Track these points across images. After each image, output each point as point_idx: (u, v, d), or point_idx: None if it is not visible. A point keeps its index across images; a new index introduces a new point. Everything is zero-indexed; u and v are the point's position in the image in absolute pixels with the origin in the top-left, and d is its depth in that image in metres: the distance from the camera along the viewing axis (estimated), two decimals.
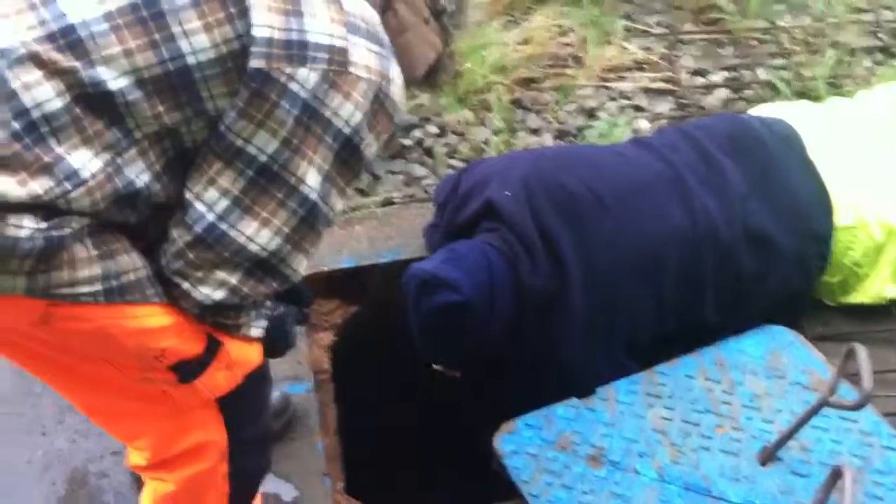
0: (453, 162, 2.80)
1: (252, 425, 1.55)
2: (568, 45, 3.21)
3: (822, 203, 2.20)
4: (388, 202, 2.66)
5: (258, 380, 1.49)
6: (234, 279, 1.29)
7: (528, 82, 3.09)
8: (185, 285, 1.29)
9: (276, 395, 2.02)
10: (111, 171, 1.19)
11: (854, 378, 1.78)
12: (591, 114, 3.00)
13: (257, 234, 1.27)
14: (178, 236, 1.27)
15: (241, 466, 1.54)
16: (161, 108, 1.20)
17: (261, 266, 1.30)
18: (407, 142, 2.85)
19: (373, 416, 2.53)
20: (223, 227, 1.25)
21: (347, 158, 1.28)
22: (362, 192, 2.66)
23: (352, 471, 2.15)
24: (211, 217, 1.25)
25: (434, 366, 2.12)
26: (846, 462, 1.50)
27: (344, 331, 2.45)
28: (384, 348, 2.59)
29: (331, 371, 2.32)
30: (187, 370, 1.36)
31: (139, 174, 1.23)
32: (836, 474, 1.52)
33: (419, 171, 2.77)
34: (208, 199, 1.25)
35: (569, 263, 2.00)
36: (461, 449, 2.38)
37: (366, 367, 2.52)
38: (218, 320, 1.35)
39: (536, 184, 2.09)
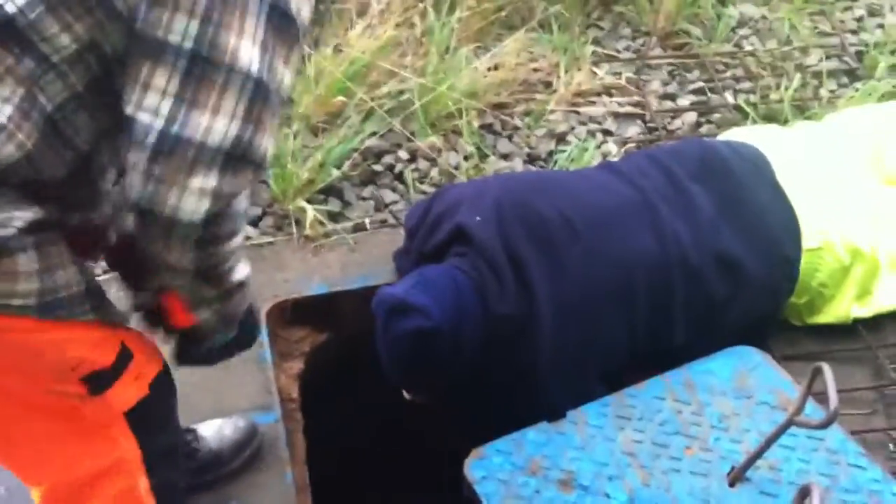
0: (424, 187, 2.80)
1: (163, 433, 1.53)
2: (538, 70, 3.23)
3: (790, 227, 2.22)
4: (359, 228, 2.66)
5: (163, 386, 1.48)
6: (211, 181, 1.20)
7: (498, 107, 3.11)
8: (167, 211, 1.20)
9: (241, 424, 2.00)
10: (27, 106, 1.14)
11: (821, 397, 1.79)
12: (560, 138, 3.02)
13: (212, 126, 1.18)
14: (135, 159, 1.18)
15: (162, 477, 1.52)
16: (70, 18, 1.14)
17: (230, 158, 1.20)
18: (378, 167, 2.86)
19: (342, 444, 2.51)
20: (174, 129, 1.17)
21: (279, 24, 1.20)
22: (333, 218, 2.65)
23: (320, 501, 2.13)
24: (158, 124, 1.16)
25: (404, 393, 2.11)
26: (814, 481, 1.49)
27: (313, 359, 2.43)
28: (354, 376, 2.58)
29: (300, 400, 2.31)
30: (99, 382, 1.34)
31: (61, 99, 1.17)
32: (804, 493, 1.51)
33: (390, 196, 2.78)
34: (149, 106, 1.16)
35: (538, 290, 2.00)
36: (433, 475, 2.36)
37: (335, 395, 2.51)
38: (212, 258, 1.29)
39: (508, 208, 2.09)
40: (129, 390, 1.37)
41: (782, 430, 1.72)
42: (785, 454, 1.88)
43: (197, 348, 1.57)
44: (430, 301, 1.93)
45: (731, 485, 1.84)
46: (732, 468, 1.86)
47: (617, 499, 1.83)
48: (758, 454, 1.79)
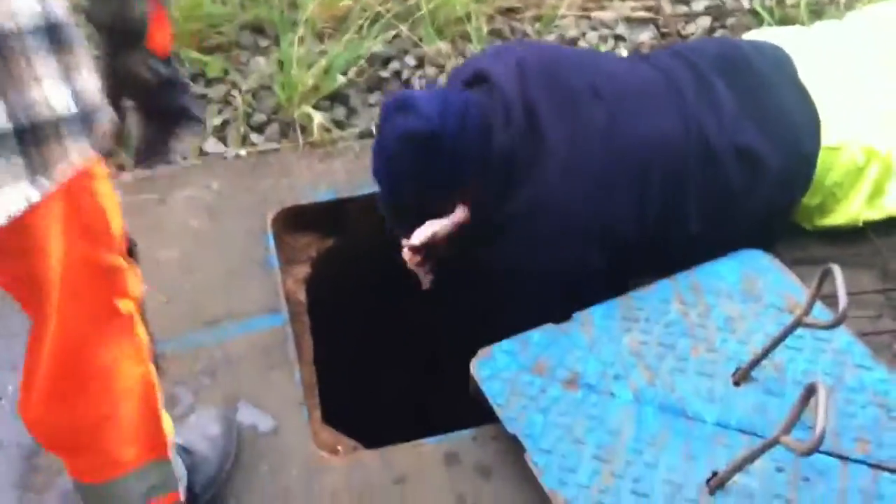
0: None
1: None
2: None
3: (810, 124, 2.17)
4: (364, 135, 2.63)
5: None
6: None
7: (508, 12, 3.05)
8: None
9: (216, 431, 1.90)
10: None
11: (829, 300, 1.79)
12: (571, 43, 2.96)
13: None
14: None
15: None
16: None
17: None
18: (384, 74, 2.81)
19: (348, 348, 2.53)
20: None
21: None
22: (339, 125, 2.62)
23: (328, 402, 2.15)
24: None
25: (404, 249, 2.10)
26: (820, 380, 1.49)
27: (319, 264, 2.43)
28: (360, 281, 2.58)
29: (306, 304, 2.31)
30: (132, 256, 1.34)
31: None
32: (810, 391, 1.51)
33: None
34: None
35: (548, 138, 1.97)
36: (439, 375, 2.38)
37: (341, 299, 2.51)
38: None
39: (533, 66, 2.06)
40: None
41: (790, 330, 1.72)
42: (791, 355, 1.88)
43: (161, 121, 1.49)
44: (435, 107, 1.93)
45: (737, 384, 1.84)
46: (738, 369, 1.87)
47: (622, 397, 1.84)
48: (764, 354, 1.79)
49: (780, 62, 2.23)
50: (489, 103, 2.00)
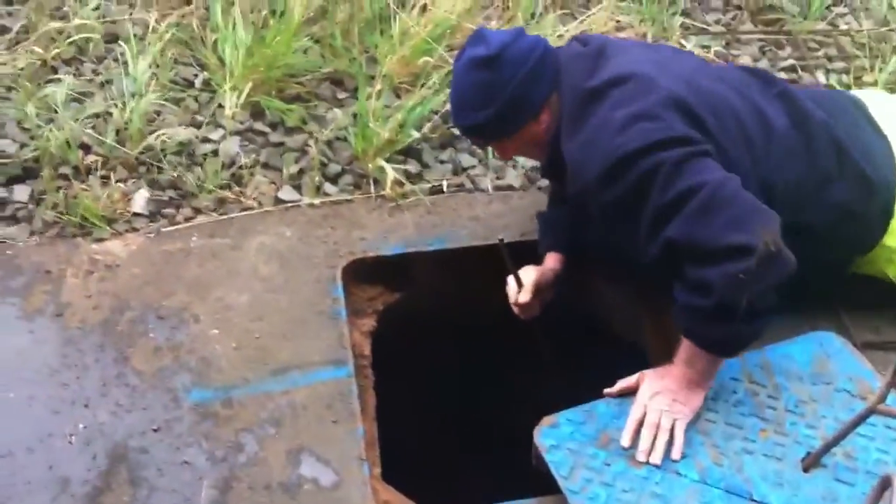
0: None
1: None
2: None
3: (888, 156, 2.15)
4: (436, 190, 2.65)
5: None
6: None
7: None
8: None
9: None
10: None
11: None
12: None
13: None
14: None
15: None
16: None
17: None
18: (457, 131, 2.84)
19: (410, 404, 2.53)
20: None
21: None
22: (411, 179, 2.65)
23: (387, 459, 2.15)
24: None
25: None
26: (894, 472, 1.46)
27: (385, 317, 2.45)
28: (425, 336, 2.59)
29: (370, 357, 2.33)
30: None
31: None
32: (885, 484, 1.49)
33: (468, 160, 2.76)
34: None
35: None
36: (499, 440, 2.38)
37: (405, 355, 2.52)
38: None
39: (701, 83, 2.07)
40: None
41: (863, 417, 1.69)
42: (863, 443, 1.85)
43: None
44: (504, 38, 2.05)
45: (806, 470, 1.82)
46: (808, 454, 1.84)
47: (688, 476, 1.82)
48: (836, 441, 1.77)
49: (855, 103, 2.24)
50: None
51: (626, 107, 1.93)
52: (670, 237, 1.86)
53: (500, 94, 2.04)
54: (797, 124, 2.07)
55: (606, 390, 2.00)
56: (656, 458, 1.85)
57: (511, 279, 2.26)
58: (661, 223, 1.87)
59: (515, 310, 2.27)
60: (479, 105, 2.07)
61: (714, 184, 1.82)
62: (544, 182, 2.64)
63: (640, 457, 1.85)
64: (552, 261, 2.31)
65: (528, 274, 2.26)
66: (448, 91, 2.80)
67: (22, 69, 2.80)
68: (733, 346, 1.90)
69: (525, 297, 2.22)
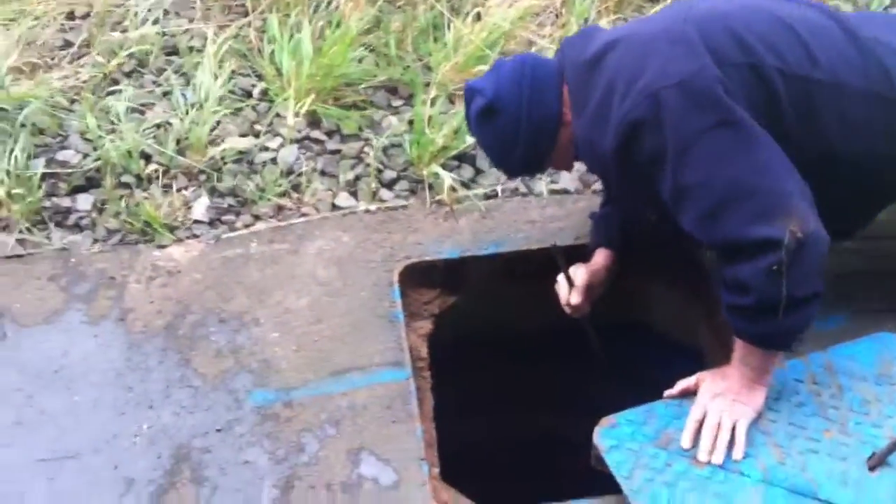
0: None
1: None
2: None
3: None
4: (490, 195, 2.66)
5: None
6: None
7: None
8: None
9: None
10: None
11: None
12: None
13: None
14: None
15: None
16: None
17: None
18: None
19: (466, 406, 2.54)
20: None
21: None
22: (465, 185, 2.67)
23: (446, 460, 2.16)
24: None
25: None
26: None
27: (441, 320, 2.46)
28: (480, 340, 2.60)
29: (428, 359, 2.34)
30: None
31: None
32: None
33: None
34: None
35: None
36: (556, 442, 2.37)
37: (461, 357, 2.53)
38: None
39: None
40: None
41: None
42: None
43: None
44: (488, 81, 2.05)
45: (872, 470, 1.79)
46: (873, 454, 1.81)
47: (751, 476, 1.80)
48: None
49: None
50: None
51: (625, 71, 1.89)
52: (691, 232, 1.85)
53: (518, 127, 2.03)
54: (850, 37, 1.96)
55: (666, 392, 1.99)
56: (718, 457, 1.83)
57: (562, 278, 2.27)
58: (679, 210, 1.85)
59: (567, 309, 2.28)
60: (509, 148, 2.07)
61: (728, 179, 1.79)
62: (598, 185, 2.64)
63: (702, 456, 1.83)
64: (602, 258, 2.30)
65: (579, 273, 2.26)
66: None
67: (84, 82, 2.87)
68: (783, 339, 1.87)
69: (577, 297, 2.24)
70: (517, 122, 2.03)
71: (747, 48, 1.88)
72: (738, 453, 1.83)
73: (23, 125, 2.68)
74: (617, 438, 1.90)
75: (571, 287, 2.25)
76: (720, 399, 1.90)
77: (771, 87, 1.88)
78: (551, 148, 2.08)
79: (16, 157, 2.56)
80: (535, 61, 2.09)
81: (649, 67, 1.85)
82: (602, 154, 1.93)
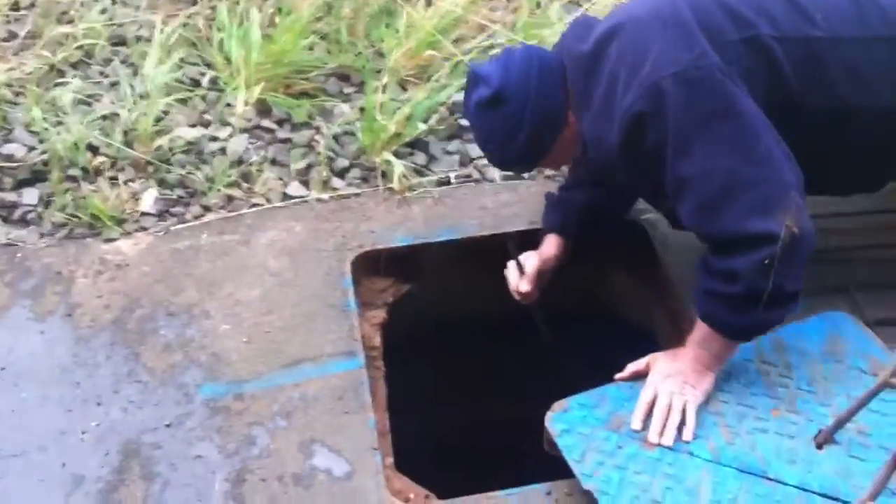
0: None
1: None
2: None
3: None
4: (443, 182, 2.65)
5: None
6: None
7: None
8: None
9: None
10: None
11: None
12: None
13: None
14: None
15: None
16: None
17: None
18: (464, 122, 2.84)
19: (420, 395, 2.53)
20: None
21: None
22: (418, 172, 2.65)
23: (399, 449, 2.15)
24: None
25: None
26: None
27: (395, 309, 2.45)
28: (434, 328, 2.60)
29: (381, 349, 2.33)
30: None
31: None
32: None
33: (475, 151, 2.75)
34: None
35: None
36: (509, 429, 2.37)
37: (415, 345, 2.52)
38: None
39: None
40: None
41: (875, 392, 1.68)
42: (875, 419, 1.83)
43: None
44: (496, 68, 1.99)
45: (819, 447, 1.80)
46: (820, 431, 1.82)
47: (700, 457, 1.81)
48: (848, 416, 1.75)
49: None
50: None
51: (625, 62, 1.86)
52: (690, 224, 1.86)
53: (522, 120, 1.98)
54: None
55: (617, 375, 1.99)
56: (668, 439, 1.84)
57: (512, 265, 2.28)
58: (679, 201, 1.85)
59: (516, 296, 2.29)
60: (508, 140, 2.02)
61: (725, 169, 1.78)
62: (551, 171, 2.64)
63: (653, 438, 1.84)
64: (553, 245, 2.31)
65: (530, 261, 2.27)
66: (457, 82, 2.83)
67: (30, 73, 2.83)
68: (753, 332, 1.89)
69: (526, 285, 2.25)
70: (522, 115, 1.98)
71: (741, 21, 1.86)
72: (688, 434, 1.84)
73: None
74: (568, 422, 1.90)
75: (521, 274, 2.26)
76: (671, 381, 1.90)
77: (770, 55, 1.86)
78: (553, 143, 2.04)
79: None
80: (542, 53, 2.05)
81: (648, 57, 1.82)
82: (609, 149, 1.91)
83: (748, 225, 1.76)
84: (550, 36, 2.96)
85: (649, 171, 1.88)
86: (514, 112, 1.98)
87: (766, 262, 1.73)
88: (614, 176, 2.02)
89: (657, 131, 1.81)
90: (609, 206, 2.37)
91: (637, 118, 1.82)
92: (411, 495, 1.95)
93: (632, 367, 1.97)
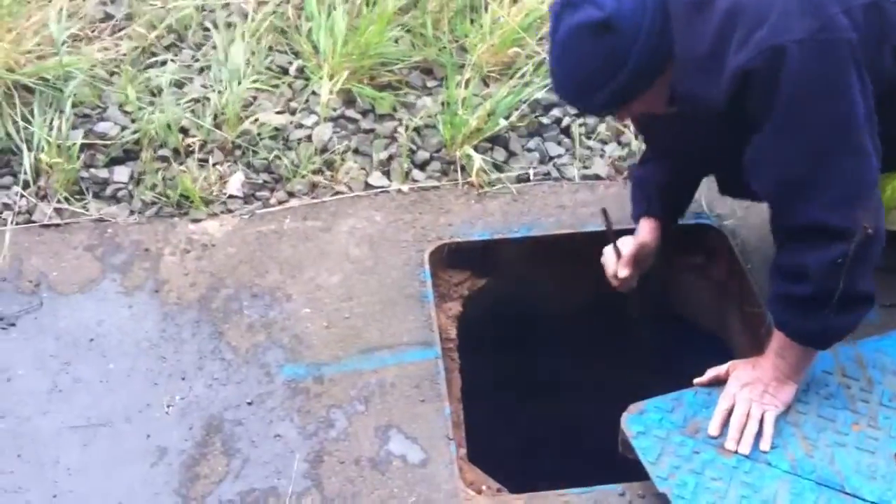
0: (591, 143, 2.79)
1: None
2: None
3: None
4: (522, 179, 2.67)
5: None
6: None
7: None
8: None
9: None
10: None
11: None
12: None
13: None
14: None
15: None
16: None
17: None
18: (545, 120, 2.85)
19: (494, 388, 2.55)
20: None
21: None
22: (497, 168, 2.67)
23: (473, 441, 2.18)
24: None
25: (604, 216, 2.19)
26: None
27: (471, 303, 2.47)
28: (509, 323, 2.62)
29: (457, 340, 2.35)
30: None
31: None
32: None
33: (555, 149, 2.77)
34: None
35: None
36: (582, 427, 2.38)
37: (490, 339, 2.55)
38: None
39: None
40: None
41: None
42: None
43: None
44: None
45: None
46: None
47: (779, 467, 1.80)
48: None
49: None
50: None
51: (741, 19, 1.71)
52: (765, 195, 1.84)
53: (628, 56, 1.75)
54: None
55: (696, 380, 1.99)
56: (745, 447, 1.84)
57: (609, 250, 2.21)
58: (761, 171, 1.81)
59: (613, 282, 2.23)
60: (603, 76, 1.78)
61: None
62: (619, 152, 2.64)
63: (730, 445, 1.84)
64: (647, 229, 2.22)
65: (627, 244, 2.20)
66: (540, 79, 2.84)
67: (124, 55, 2.90)
68: (826, 338, 1.87)
69: (624, 270, 2.18)
70: (629, 50, 1.75)
71: None
72: (765, 444, 1.84)
73: (65, 95, 2.71)
74: (644, 425, 1.91)
75: (619, 258, 2.20)
76: (750, 389, 1.90)
77: (887, 21, 1.76)
78: (648, 88, 1.82)
79: (57, 127, 2.59)
80: None
81: (771, 15, 1.68)
82: (705, 104, 1.79)
83: (830, 217, 1.73)
84: None
85: (741, 131, 1.80)
86: (622, 45, 1.75)
87: (839, 260, 1.71)
88: (698, 137, 1.93)
89: (764, 94, 1.71)
90: (678, 183, 2.28)
91: (747, 75, 1.70)
92: (483, 487, 1.97)
93: (712, 373, 1.97)
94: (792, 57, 1.67)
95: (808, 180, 1.74)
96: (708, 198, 2.51)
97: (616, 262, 2.20)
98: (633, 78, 1.78)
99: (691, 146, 2.06)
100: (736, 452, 1.83)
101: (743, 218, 2.50)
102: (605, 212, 2.21)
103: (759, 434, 1.86)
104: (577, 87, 1.85)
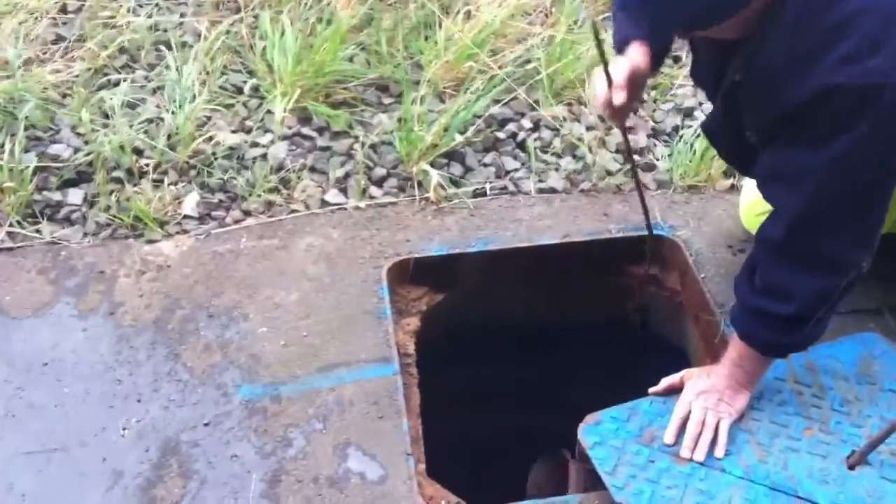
0: (546, 157, 2.81)
1: None
2: None
3: None
4: (478, 193, 2.68)
5: None
6: None
7: None
8: None
9: None
10: None
11: None
12: (687, 113, 2.99)
13: None
14: None
15: None
16: None
17: None
18: (500, 135, 2.87)
19: (453, 402, 2.56)
20: None
21: None
22: (454, 183, 2.69)
23: (432, 456, 2.18)
24: None
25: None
26: None
27: (429, 318, 2.48)
28: (468, 337, 2.62)
29: (415, 356, 2.36)
30: None
31: None
32: None
33: (511, 164, 2.79)
34: None
35: None
36: (541, 440, 2.39)
37: (448, 354, 2.55)
38: None
39: None
40: None
41: None
42: None
43: None
44: None
45: (851, 468, 1.82)
46: (853, 452, 1.84)
47: (732, 473, 1.82)
48: (882, 438, 1.76)
49: None
50: None
51: (864, 29, 1.54)
52: (767, 198, 1.80)
53: None
54: None
55: (651, 389, 2.01)
56: (700, 454, 1.86)
57: (598, 74, 1.90)
58: (792, 186, 1.71)
59: (605, 113, 1.99)
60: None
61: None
62: (586, 185, 2.67)
63: (685, 453, 1.86)
64: (639, 52, 1.89)
65: (620, 68, 1.87)
66: (491, 96, 2.86)
67: (76, 76, 2.88)
68: (792, 350, 1.91)
69: (620, 94, 1.85)
70: None
71: None
72: (720, 451, 1.86)
73: (18, 119, 2.68)
74: (601, 435, 1.92)
75: (610, 85, 1.88)
76: (705, 397, 1.92)
77: None
78: (738, 11, 1.58)
79: (9, 151, 2.57)
80: None
81: (886, 46, 1.53)
82: (774, 88, 1.66)
83: (846, 254, 1.73)
84: (588, 51, 2.99)
85: (772, 122, 1.71)
86: None
87: (833, 291, 1.74)
88: (744, 113, 1.81)
89: (835, 119, 1.59)
90: None
91: (832, 92, 1.56)
92: (443, 502, 1.97)
93: (666, 382, 1.99)
94: (887, 101, 1.55)
95: (842, 223, 1.71)
96: (662, 209, 2.54)
97: (609, 89, 1.88)
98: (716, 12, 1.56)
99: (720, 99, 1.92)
100: (691, 460, 1.85)
101: (696, 228, 2.54)
102: (594, 24, 1.82)
103: (713, 441, 1.88)
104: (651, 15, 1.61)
